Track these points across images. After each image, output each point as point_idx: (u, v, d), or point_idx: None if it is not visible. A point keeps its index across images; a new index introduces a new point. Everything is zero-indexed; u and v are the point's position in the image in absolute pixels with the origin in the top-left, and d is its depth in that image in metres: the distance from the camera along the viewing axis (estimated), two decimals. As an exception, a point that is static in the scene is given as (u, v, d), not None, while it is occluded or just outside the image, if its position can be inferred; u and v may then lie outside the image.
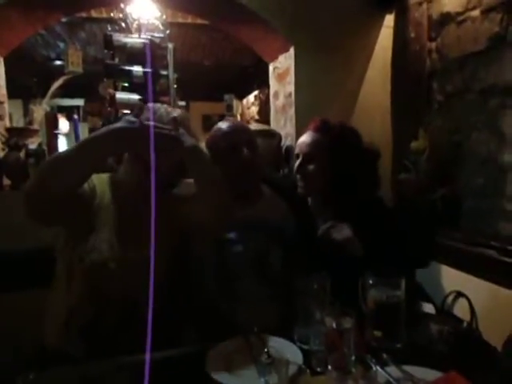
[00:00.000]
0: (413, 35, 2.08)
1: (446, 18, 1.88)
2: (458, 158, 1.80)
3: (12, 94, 2.49)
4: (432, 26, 1.98)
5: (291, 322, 1.05)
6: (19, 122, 3.32)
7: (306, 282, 1.02)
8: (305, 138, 1.34)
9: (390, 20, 2.16)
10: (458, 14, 1.80)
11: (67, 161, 0.98)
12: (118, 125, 0.98)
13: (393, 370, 0.84)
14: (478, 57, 1.70)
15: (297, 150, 1.36)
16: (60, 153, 1.07)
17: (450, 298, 1.64)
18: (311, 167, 1.31)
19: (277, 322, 1.22)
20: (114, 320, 1.08)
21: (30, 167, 1.74)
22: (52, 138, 5.40)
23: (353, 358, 0.83)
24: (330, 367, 0.76)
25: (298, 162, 1.32)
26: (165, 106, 1.19)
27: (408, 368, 0.85)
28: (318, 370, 0.89)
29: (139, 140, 0.95)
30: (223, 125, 1.33)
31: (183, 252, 1.23)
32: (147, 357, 0.75)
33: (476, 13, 1.71)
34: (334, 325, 0.84)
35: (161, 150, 0.95)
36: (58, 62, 4.50)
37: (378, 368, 0.83)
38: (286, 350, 0.96)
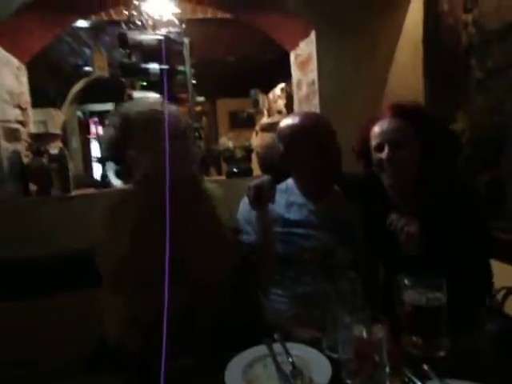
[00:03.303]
0: (446, 8, 1.91)
1: (484, -14, 1.70)
2: (502, 140, 1.63)
3: (45, 102, 2.56)
4: (467, -4, 1.80)
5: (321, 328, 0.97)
6: (53, 130, 3.41)
7: (335, 283, 0.94)
8: (385, 125, 1.23)
9: (419, -6, 1.99)
10: (498, -21, 1.63)
11: None
12: None
13: (436, 384, 0.73)
14: (522, 25, 1.53)
15: (378, 140, 1.23)
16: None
17: (500, 295, 1.49)
18: (402, 155, 1.20)
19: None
20: (173, 322, 1.06)
21: (52, 172, 1.74)
22: (85, 142, 5.56)
23: (387, 370, 0.73)
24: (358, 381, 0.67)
25: (386, 152, 1.20)
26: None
27: (454, 382, 0.74)
28: (348, 382, 0.80)
29: None
30: (299, 117, 1.32)
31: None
32: (162, 365, 0.69)
33: (518, -24, 1.53)
34: (364, 333, 0.74)
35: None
36: (87, 68, 4.60)
37: (418, 382, 0.72)
38: (313, 359, 0.88)
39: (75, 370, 1.14)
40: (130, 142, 1.10)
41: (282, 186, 1.35)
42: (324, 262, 1.22)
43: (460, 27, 1.84)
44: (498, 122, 1.65)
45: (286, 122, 1.31)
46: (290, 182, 1.37)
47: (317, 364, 0.86)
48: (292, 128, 1.28)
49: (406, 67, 1.98)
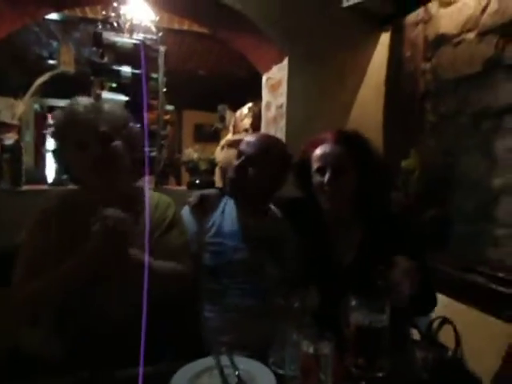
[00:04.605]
0: (408, 54, 2.07)
1: (442, 40, 1.87)
2: (449, 180, 1.77)
3: (3, 91, 2.43)
4: (427, 46, 1.97)
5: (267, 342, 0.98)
6: (8, 120, 3.23)
7: (285, 299, 0.96)
8: (328, 149, 1.25)
9: (385, 38, 2.15)
10: (454, 35, 1.80)
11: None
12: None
13: (373, 402, 0.77)
14: (472, 79, 1.69)
15: (320, 163, 1.25)
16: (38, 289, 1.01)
17: (436, 324, 1.58)
18: (342, 180, 1.24)
19: (265, 339, 1.15)
20: (92, 327, 1.03)
21: (4, 163, 1.65)
22: (40, 137, 5.29)
23: (330, 387, 0.76)
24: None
25: (327, 176, 1.23)
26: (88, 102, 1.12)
27: (389, 401, 0.78)
28: (292, 398, 0.82)
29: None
30: (252, 136, 1.34)
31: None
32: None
33: (472, 35, 1.70)
34: (311, 349, 0.77)
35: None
36: (51, 62, 4.43)
37: (357, 399, 0.76)
38: (259, 373, 0.89)
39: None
40: (66, 140, 1.08)
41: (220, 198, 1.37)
42: (252, 277, 1.23)
43: (419, 74, 2.00)
44: (447, 162, 1.79)
45: (250, 137, 1.34)
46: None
47: (262, 378, 0.87)
48: (251, 144, 1.29)
49: (369, 103, 2.11)
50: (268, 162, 1.27)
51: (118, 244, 0.96)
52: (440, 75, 1.88)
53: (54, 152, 1.12)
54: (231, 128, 5.58)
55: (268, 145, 1.30)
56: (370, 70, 2.11)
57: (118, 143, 1.08)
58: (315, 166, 1.27)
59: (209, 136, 5.94)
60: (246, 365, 0.93)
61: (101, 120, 1.06)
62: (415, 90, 2.00)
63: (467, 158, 1.70)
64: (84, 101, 1.10)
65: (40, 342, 1.04)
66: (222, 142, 2.97)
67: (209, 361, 0.94)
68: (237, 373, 0.87)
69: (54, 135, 1.09)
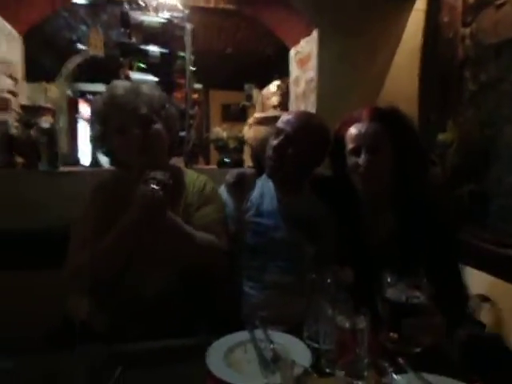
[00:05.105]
0: (446, 20, 1.95)
1: (483, 2, 1.75)
2: (489, 153, 1.68)
3: (36, 77, 2.50)
4: (467, 10, 1.85)
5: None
6: (44, 104, 3.32)
7: (320, 275, 0.96)
8: (363, 128, 1.18)
9: (421, 3, 2.02)
10: (497, -4, 1.67)
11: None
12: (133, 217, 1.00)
13: (410, 377, 0.76)
14: (516, 43, 1.58)
15: (355, 144, 1.18)
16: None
17: (474, 302, 1.54)
18: (378, 161, 1.16)
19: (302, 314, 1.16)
20: (131, 301, 1.08)
21: (41, 146, 1.71)
22: (73, 121, 5.44)
23: (366, 361, 0.75)
24: (339, 370, 0.69)
25: (363, 157, 1.16)
26: (127, 84, 1.12)
27: (428, 376, 0.77)
28: (327, 370, 0.83)
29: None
30: (290, 113, 1.30)
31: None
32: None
33: (517, -5, 1.58)
34: (347, 324, 0.76)
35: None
36: (81, 46, 4.50)
37: (394, 374, 0.75)
38: (293, 347, 0.90)
39: (36, 346, 1.11)
40: (107, 126, 1.09)
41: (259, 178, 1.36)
42: (291, 255, 1.24)
43: (458, 40, 1.88)
44: (487, 134, 1.70)
45: (288, 115, 1.30)
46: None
47: (297, 351, 0.88)
48: (291, 122, 1.25)
49: (403, 73, 2.02)
50: (308, 140, 1.23)
51: (160, 206, 0.97)
52: (481, 40, 1.76)
53: (95, 137, 1.13)
54: (258, 107, 5.52)
55: (308, 122, 1.26)
56: (405, 38, 2.01)
57: (158, 126, 1.09)
58: (349, 146, 1.20)
59: (236, 115, 5.91)
60: (281, 339, 0.94)
61: (141, 103, 1.07)
62: (453, 57, 1.89)
63: (510, 128, 1.60)
64: (122, 84, 1.11)
65: (87, 312, 1.09)
66: (250, 120, 2.94)
67: (244, 335, 0.95)
68: (272, 346, 0.88)
69: (94, 120, 1.10)
